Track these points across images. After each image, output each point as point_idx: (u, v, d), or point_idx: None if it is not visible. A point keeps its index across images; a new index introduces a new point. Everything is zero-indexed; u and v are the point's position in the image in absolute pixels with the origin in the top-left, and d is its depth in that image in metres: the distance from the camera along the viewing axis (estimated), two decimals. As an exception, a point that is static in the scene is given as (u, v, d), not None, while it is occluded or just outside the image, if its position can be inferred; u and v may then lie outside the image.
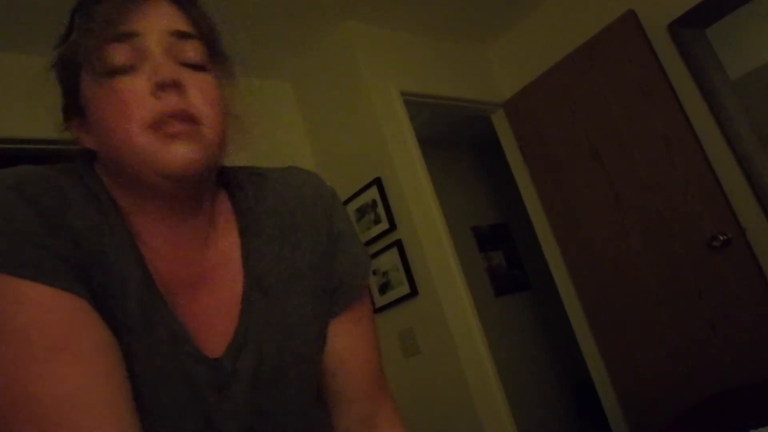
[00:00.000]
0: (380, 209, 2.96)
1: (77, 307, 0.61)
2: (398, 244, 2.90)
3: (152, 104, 0.66)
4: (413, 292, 2.84)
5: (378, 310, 2.97)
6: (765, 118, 4.16)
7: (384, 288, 2.95)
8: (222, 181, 0.83)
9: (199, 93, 0.69)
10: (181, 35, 0.71)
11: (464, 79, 3.61)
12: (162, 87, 0.66)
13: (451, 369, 2.72)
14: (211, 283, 0.77)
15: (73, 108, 0.73)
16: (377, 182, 2.98)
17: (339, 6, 2.99)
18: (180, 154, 0.66)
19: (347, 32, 3.12)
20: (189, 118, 0.67)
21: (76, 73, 0.71)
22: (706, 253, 2.80)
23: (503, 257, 4.96)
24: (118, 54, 0.67)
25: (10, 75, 2.56)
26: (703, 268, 2.82)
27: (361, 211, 3.05)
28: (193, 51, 0.72)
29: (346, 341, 0.87)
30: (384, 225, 2.95)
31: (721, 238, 2.73)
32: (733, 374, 2.69)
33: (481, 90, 3.67)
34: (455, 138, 5.04)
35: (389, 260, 2.93)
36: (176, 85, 0.67)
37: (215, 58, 0.77)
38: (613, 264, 3.15)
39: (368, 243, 3.02)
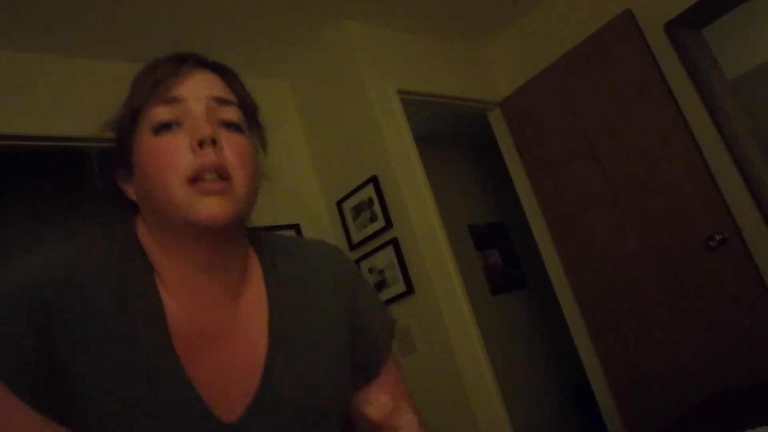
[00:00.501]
0: (376, 207, 2.95)
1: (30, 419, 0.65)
2: (394, 242, 2.89)
3: (191, 159, 0.72)
4: (409, 290, 2.84)
5: (374, 309, 2.96)
6: (762, 118, 4.17)
7: (380, 286, 2.95)
8: (253, 242, 0.89)
9: (234, 152, 0.76)
10: (221, 101, 0.79)
11: (461, 78, 3.61)
12: (200, 143, 0.73)
13: (448, 368, 2.71)
14: (234, 339, 0.80)
15: (123, 163, 0.81)
16: (374, 180, 2.97)
17: (336, 5, 2.98)
18: (211, 205, 0.71)
19: (344, 31, 3.11)
20: (222, 174, 0.73)
21: (129, 133, 0.79)
22: (703, 253, 2.80)
23: (500, 256, 4.96)
24: (165, 114, 0.75)
25: (10, 74, 2.55)
26: (700, 268, 2.82)
27: (358, 209, 3.05)
28: (230, 114, 0.79)
29: (377, 400, 0.92)
30: (380, 223, 2.94)
31: (718, 237, 2.73)
32: (731, 374, 2.69)
33: (478, 89, 3.67)
34: (452, 136, 5.04)
35: (385, 258, 2.93)
36: (213, 143, 0.73)
37: (250, 125, 0.84)
38: (610, 263, 3.15)
39: (364, 241, 3.02)
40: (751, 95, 4.45)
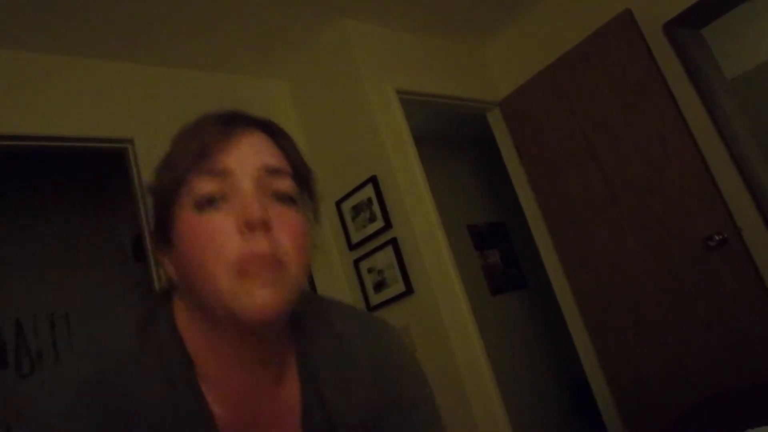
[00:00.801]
0: (376, 207, 2.95)
1: None
2: (394, 242, 2.89)
3: (239, 245, 0.65)
4: (409, 290, 2.83)
5: (373, 309, 2.96)
6: (761, 118, 4.17)
7: (379, 286, 2.94)
8: (292, 321, 0.80)
9: (287, 232, 0.68)
10: (273, 171, 0.71)
11: (460, 78, 3.60)
12: (250, 227, 0.65)
13: (447, 367, 2.71)
14: (274, 428, 0.76)
15: (162, 236, 0.72)
16: (373, 180, 2.97)
17: (335, 4, 2.98)
18: (261, 299, 0.64)
19: (344, 30, 3.11)
20: (274, 262, 0.65)
21: (169, 203, 0.70)
22: (703, 253, 2.79)
23: (499, 256, 4.96)
24: (210, 187, 0.68)
25: (10, 73, 2.55)
26: (699, 268, 2.82)
27: (357, 209, 3.04)
28: (282, 184, 0.71)
29: None
30: (379, 223, 2.94)
31: (717, 237, 2.73)
32: (730, 374, 2.69)
33: (477, 88, 3.66)
34: (452, 136, 5.04)
35: (384, 258, 2.93)
36: (264, 226, 0.66)
37: (304, 195, 0.76)
38: (609, 263, 3.15)
39: (363, 241, 3.01)
40: (751, 95, 4.45)
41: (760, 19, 4.54)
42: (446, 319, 2.74)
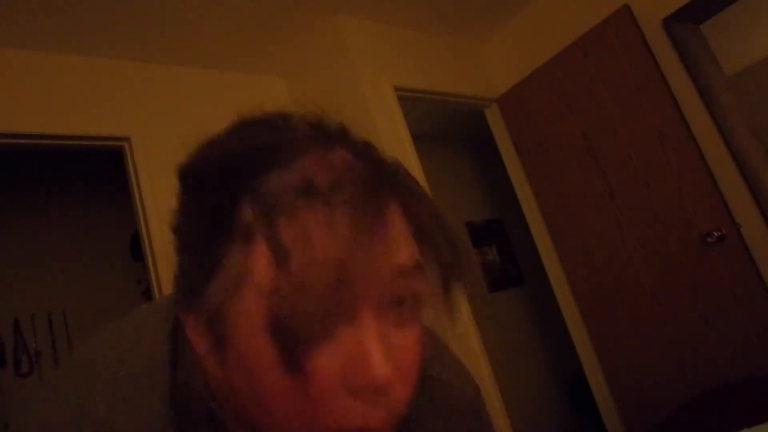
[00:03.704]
0: (374, 205, 2.94)
1: None
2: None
3: (345, 407, 0.44)
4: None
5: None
6: (760, 114, 4.16)
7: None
8: None
9: (404, 369, 0.48)
10: (404, 272, 0.47)
11: (458, 74, 3.60)
12: (371, 392, 0.44)
13: (445, 365, 2.71)
14: None
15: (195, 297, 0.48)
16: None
17: (332, 0, 2.97)
18: None
19: (340, 26, 3.10)
20: (387, 425, 0.47)
21: (236, 281, 0.46)
22: (701, 249, 2.79)
23: (497, 253, 4.96)
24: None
25: (6, 71, 2.54)
26: (697, 264, 2.82)
27: (355, 207, 3.03)
28: (412, 286, 0.48)
29: None
30: (378, 221, 2.92)
31: (716, 234, 2.73)
32: (728, 369, 2.69)
33: (475, 85, 3.66)
34: (449, 133, 5.03)
35: (383, 256, 2.92)
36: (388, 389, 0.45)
37: (437, 291, 0.52)
38: (607, 259, 3.15)
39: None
40: (749, 91, 4.45)
41: (758, 15, 4.54)
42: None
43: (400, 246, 0.47)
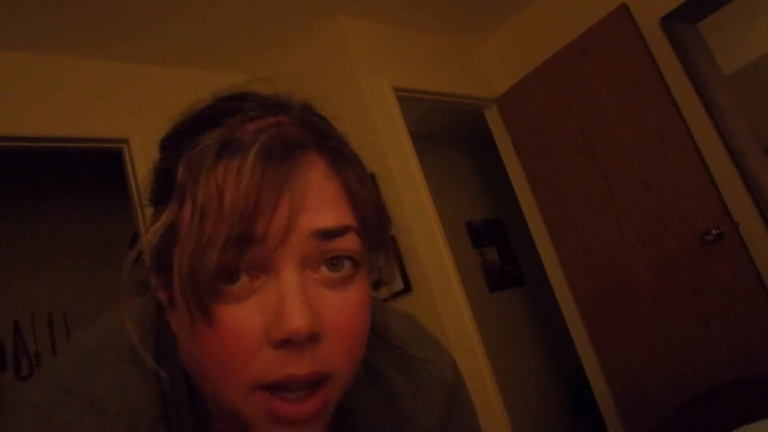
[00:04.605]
0: (373, 205, 2.94)
1: None
2: (392, 240, 2.88)
3: (270, 360, 0.45)
4: (407, 288, 2.83)
5: (371, 307, 2.96)
6: (758, 113, 4.17)
7: (377, 284, 2.93)
8: None
9: (338, 332, 0.48)
10: (330, 233, 0.48)
11: (457, 75, 3.60)
12: (291, 343, 0.45)
13: (445, 365, 2.71)
14: None
15: (161, 265, 0.51)
16: (371, 178, 2.96)
17: (331, 0, 2.97)
18: (295, 428, 0.47)
19: (339, 27, 3.10)
20: (318, 381, 0.47)
21: (169, 251, 0.49)
22: (700, 248, 2.80)
23: (497, 253, 4.96)
24: (233, 266, 0.45)
25: (5, 73, 2.55)
26: (696, 263, 2.82)
27: (354, 208, 3.03)
28: (342, 246, 0.49)
29: None
30: (377, 221, 2.93)
31: (714, 232, 2.73)
32: (728, 368, 2.69)
33: (474, 85, 3.66)
34: (449, 133, 5.03)
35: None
36: (311, 340, 0.46)
37: (372, 255, 0.55)
38: (606, 259, 3.15)
39: (361, 239, 3.01)
40: (748, 90, 4.45)
41: (756, 14, 4.54)
42: (445, 317, 2.73)
43: (324, 203, 0.48)
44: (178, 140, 0.52)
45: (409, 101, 3.27)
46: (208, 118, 0.51)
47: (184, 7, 2.67)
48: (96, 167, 3.67)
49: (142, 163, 2.71)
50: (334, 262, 0.48)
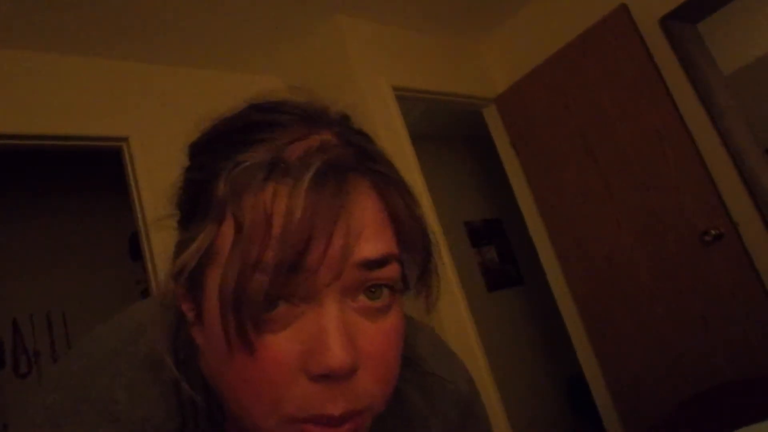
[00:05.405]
0: (372, 204, 2.94)
1: None
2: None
3: (306, 394, 0.44)
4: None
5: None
6: (758, 113, 4.17)
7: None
8: None
9: (374, 364, 0.47)
10: (374, 264, 0.47)
11: (456, 74, 3.60)
12: (330, 378, 0.44)
13: (444, 364, 2.71)
14: None
15: (191, 284, 0.49)
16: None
17: (330, 0, 2.97)
18: None
19: (338, 26, 3.10)
20: (353, 416, 0.46)
21: (201, 269, 0.47)
22: (699, 248, 2.80)
23: (496, 252, 4.96)
24: (275, 294, 0.44)
25: (3, 71, 2.54)
26: (695, 263, 2.82)
27: (354, 207, 3.03)
28: (383, 276, 0.48)
29: None
30: (376, 220, 2.93)
31: (713, 232, 2.73)
32: (726, 368, 2.70)
33: (473, 85, 3.66)
34: (448, 133, 5.03)
35: (382, 256, 2.92)
36: (350, 375, 0.45)
37: (412, 283, 0.53)
38: (605, 258, 3.15)
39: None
40: (747, 90, 4.45)
41: (755, 14, 4.54)
42: (443, 316, 2.74)
43: (369, 236, 0.46)
44: (213, 151, 0.50)
45: (408, 101, 3.27)
46: (245, 131, 0.49)
47: (184, 7, 2.66)
48: (95, 166, 3.66)
49: (141, 162, 2.71)
50: (372, 290, 0.47)
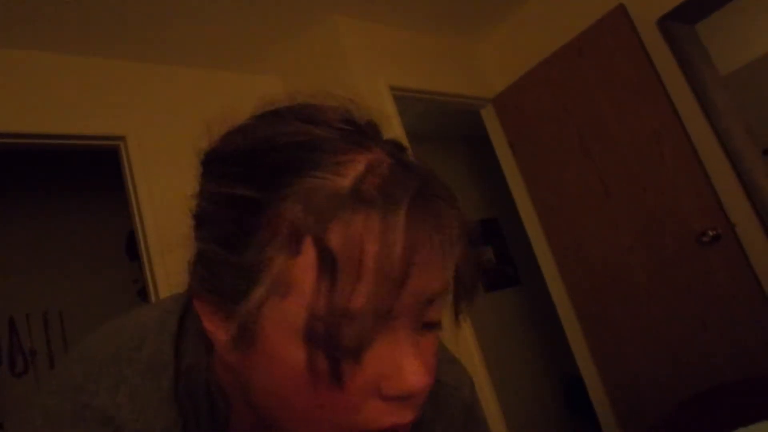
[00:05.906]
0: (370, 204, 2.93)
1: None
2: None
3: (378, 411, 0.45)
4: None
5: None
6: (755, 114, 4.18)
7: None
8: None
9: (427, 370, 0.47)
10: (437, 297, 0.47)
11: (454, 74, 3.60)
12: (404, 398, 0.45)
13: (442, 364, 2.71)
14: None
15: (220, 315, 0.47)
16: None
17: (328, 0, 2.97)
18: None
19: (335, 26, 3.10)
20: (413, 421, 0.47)
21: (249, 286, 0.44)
22: (696, 249, 2.80)
23: (493, 253, 4.96)
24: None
25: (5, 72, 2.54)
26: (692, 264, 2.82)
27: (351, 207, 3.03)
28: (439, 309, 0.48)
29: None
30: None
31: (711, 233, 2.73)
32: (724, 369, 2.70)
33: (470, 85, 3.66)
34: (445, 133, 5.03)
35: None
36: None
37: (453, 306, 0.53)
38: (602, 259, 3.15)
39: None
40: (744, 91, 4.46)
41: (753, 15, 4.55)
42: (441, 316, 2.73)
43: (441, 268, 0.45)
44: (260, 165, 0.46)
45: (405, 100, 3.27)
46: (299, 146, 0.45)
47: (181, 6, 2.66)
48: (92, 165, 3.66)
49: (138, 161, 2.70)
50: (430, 327, 0.48)
